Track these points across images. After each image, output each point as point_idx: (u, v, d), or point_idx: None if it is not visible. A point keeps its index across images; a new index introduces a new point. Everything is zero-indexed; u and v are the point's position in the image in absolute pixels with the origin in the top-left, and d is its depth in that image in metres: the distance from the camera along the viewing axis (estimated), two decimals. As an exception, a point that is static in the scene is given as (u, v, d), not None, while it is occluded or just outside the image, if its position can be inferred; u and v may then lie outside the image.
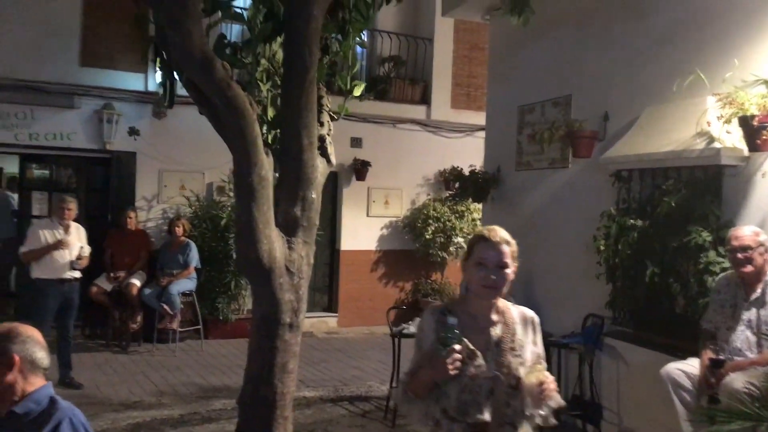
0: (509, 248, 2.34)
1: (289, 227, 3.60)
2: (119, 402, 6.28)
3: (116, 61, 8.81)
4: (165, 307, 8.23)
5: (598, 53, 5.82)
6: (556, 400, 2.29)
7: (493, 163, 7.15)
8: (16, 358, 2.41)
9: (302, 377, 6.74)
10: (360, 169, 10.17)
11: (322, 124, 3.82)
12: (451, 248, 10.33)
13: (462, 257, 2.44)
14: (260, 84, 3.74)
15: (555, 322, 5.77)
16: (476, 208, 9.73)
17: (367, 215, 10.48)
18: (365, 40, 8.22)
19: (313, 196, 3.64)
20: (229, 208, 9.00)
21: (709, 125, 4.48)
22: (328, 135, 3.89)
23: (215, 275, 8.90)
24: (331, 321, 10.29)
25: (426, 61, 10.61)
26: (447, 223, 10.20)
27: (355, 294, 10.31)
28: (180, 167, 9.24)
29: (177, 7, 2.88)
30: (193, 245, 8.53)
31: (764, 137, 4.12)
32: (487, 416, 2.27)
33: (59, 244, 6.49)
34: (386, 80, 10.25)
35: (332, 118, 4.01)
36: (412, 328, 6.09)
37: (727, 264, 4.27)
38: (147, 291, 8.33)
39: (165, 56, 3.74)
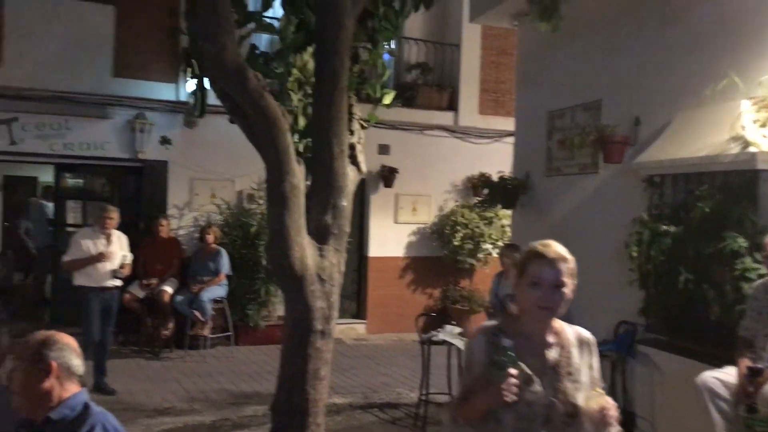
0: (566, 265, 2.18)
1: (320, 235, 3.62)
2: (152, 408, 6.35)
3: (148, 71, 8.96)
4: (196, 313, 8.32)
5: (629, 57, 5.77)
6: (617, 427, 2.13)
7: (522, 169, 7.12)
8: (54, 364, 2.46)
9: (332, 384, 6.74)
10: (387, 176, 10.19)
11: (352, 132, 3.85)
12: (479, 255, 10.29)
13: (514, 273, 2.29)
14: (291, 93, 3.78)
15: (586, 330, 5.71)
16: (505, 215, 9.68)
17: (395, 222, 10.48)
18: (394, 47, 8.27)
19: (344, 203, 3.67)
20: (259, 216, 9.08)
21: (743, 129, 4.41)
22: (359, 143, 3.92)
23: (245, 282, 8.97)
24: (359, 328, 10.31)
25: (453, 67, 10.61)
26: (475, 229, 10.16)
27: (383, 301, 10.32)
28: (211, 176, 9.35)
29: (212, 19, 2.93)
30: (224, 252, 8.61)
31: (801, 141, 4.05)
32: None
33: (100, 257, 6.58)
34: (413, 87, 10.27)
35: (362, 126, 4.03)
36: (441, 335, 6.08)
37: (764, 270, 4.19)
38: (179, 298, 8.43)
39: (197, 67, 3.80)
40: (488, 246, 10.23)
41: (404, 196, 10.43)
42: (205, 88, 3.95)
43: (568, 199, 6.48)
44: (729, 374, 4.02)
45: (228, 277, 8.67)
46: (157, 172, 9.20)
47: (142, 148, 8.98)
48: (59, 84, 8.49)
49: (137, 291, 8.46)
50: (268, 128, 3.24)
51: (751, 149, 4.28)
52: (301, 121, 3.88)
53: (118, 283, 6.81)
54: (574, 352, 2.24)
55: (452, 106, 10.56)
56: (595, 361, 2.29)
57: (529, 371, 2.11)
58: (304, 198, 3.55)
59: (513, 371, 2.04)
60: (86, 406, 2.50)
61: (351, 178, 3.75)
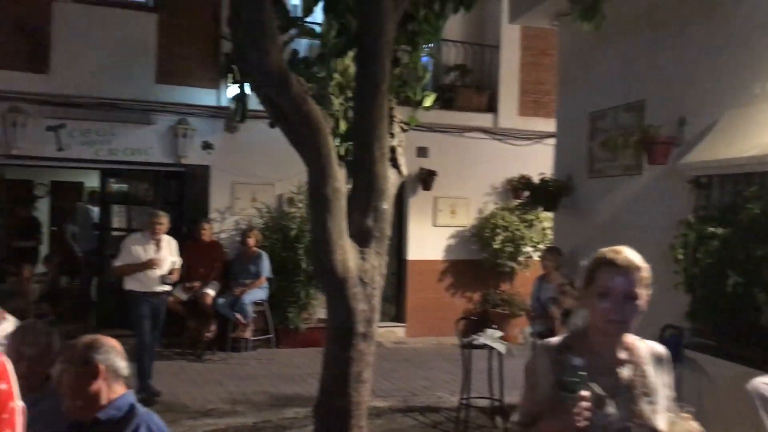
0: (639, 274, 1.98)
1: (361, 238, 3.63)
2: (195, 409, 6.45)
3: (190, 77, 9.10)
4: (238, 316, 8.41)
5: (674, 56, 5.66)
6: None
7: (563, 171, 7.04)
8: (101, 367, 2.51)
9: (372, 387, 6.74)
10: (426, 179, 10.17)
11: (392, 135, 3.85)
12: (520, 258, 10.19)
13: (580, 283, 2.07)
14: (332, 98, 3.80)
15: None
16: (546, 217, 9.57)
17: (434, 225, 10.45)
18: (432, 50, 8.24)
19: (385, 206, 3.67)
20: (299, 219, 9.15)
21: (795, 128, 4.29)
22: (399, 146, 3.92)
23: (286, 285, 9.03)
24: (399, 331, 10.30)
25: (492, 68, 10.55)
26: (516, 232, 10.07)
27: (422, 304, 10.29)
28: (251, 180, 9.45)
29: (255, 25, 2.97)
30: (265, 255, 8.69)
31: None
32: None
33: (151, 263, 6.65)
34: (452, 89, 10.23)
35: (402, 129, 4.03)
36: (482, 338, 6.04)
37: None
38: (221, 300, 8.53)
39: (238, 72, 3.84)
40: (529, 249, 10.13)
41: (443, 199, 10.39)
42: (246, 94, 4.00)
43: (610, 201, 6.38)
44: (782, 381, 3.89)
45: (269, 280, 8.74)
46: (199, 176, 9.33)
47: (185, 153, 9.12)
48: (104, 91, 8.68)
49: (180, 294, 8.59)
50: (310, 132, 3.27)
51: (804, 149, 4.16)
52: (342, 125, 3.90)
53: (167, 288, 6.89)
54: (649, 370, 2.04)
55: (491, 107, 10.49)
56: (672, 379, 2.10)
57: (602, 392, 1.92)
58: (346, 201, 3.56)
59: (584, 393, 1.84)
60: (132, 407, 2.55)
61: (392, 181, 3.75)
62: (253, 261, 8.69)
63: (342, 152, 3.85)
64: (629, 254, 2.02)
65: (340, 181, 3.47)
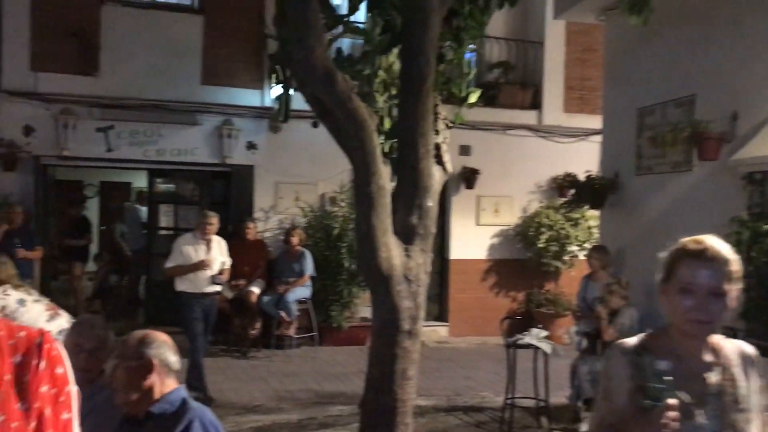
0: (727, 267, 1.75)
1: (406, 235, 3.62)
2: (241, 405, 6.53)
3: (235, 78, 9.23)
4: (282, 314, 8.49)
5: (726, 49, 5.51)
6: None
7: (610, 168, 6.92)
8: (155, 362, 2.56)
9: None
10: (469, 177, 10.11)
11: (437, 132, 3.83)
12: (565, 257, 10.05)
13: (659, 277, 1.86)
14: (377, 95, 3.80)
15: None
16: (592, 215, 9.42)
17: (477, 224, 10.38)
18: (477, 46, 8.19)
19: (430, 204, 3.65)
20: (341, 218, 9.19)
21: None
22: (444, 143, 3.89)
23: (329, 283, 9.08)
24: (441, 330, 10.26)
25: (536, 65, 10.43)
26: (561, 231, 9.93)
27: (465, 303, 10.23)
28: (294, 179, 9.53)
29: (301, 24, 2.98)
30: (308, 254, 8.76)
31: None
32: None
33: (202, 265, 6.63)
34: (495, 86, 10.15)
35: (447, 126, 4.01)
36: (527, 338, 5.98)
37: None
38: (265, 298, 8.63)
39: (283, 72, 3.87)
40: (574, 248, 9.98)
41: (486, 198, 10.31)
42: (289, 94, 4.02)
43: (659, 198, 6.25)
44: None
45: (312, 278, 8.80)
46: (243, 176, 9.45)
47: (230, 153, 9.24)
48: (152, 92, 8.86)
49: (226, 292, 8.66)
50: (355, 130, 3.27)
51: None
52: (387, 123, 3.89)
53: (218, 288, 6.89)
54: (738, 374, 1.80)
55: (535, 104, 10.37)
56: (762, 382, 1.84)
57: (690, 400, 1.71)
58: (390, 199, 3.55)
59: (671, 402, 1.63)
60: (184, 401, 2.59)
61: (437, 178, 3.73)
62: (296, 259, 8.76)
63: (386, 149, 3.85)
64: (715, 244, 1.80)
65: (385, 178, 3.46)
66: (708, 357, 1.80)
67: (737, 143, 5.26)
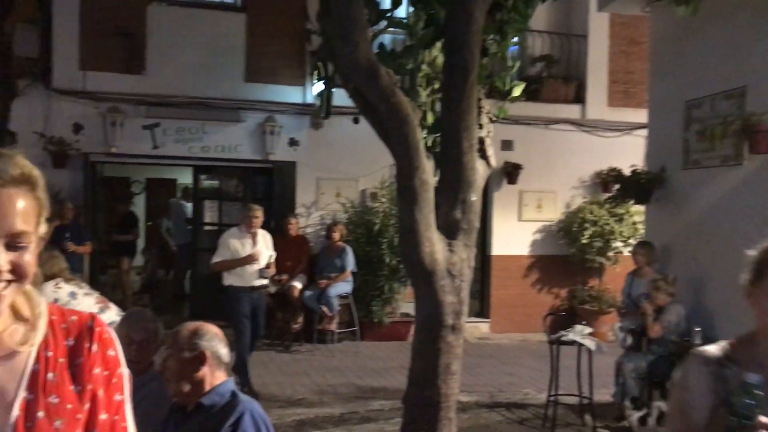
0: None
1: (449, 230, 3.61)
2: (284, 399, 6.60)
3: (277, 75, 9.32)
4: (324, 308, 8.55)
5: (779, 39, 5.35)
6: None
7: (656, 163, 6.78)
8: (206, 353, 2.60)
9: (458, 381, 6.74)
10: (511, 173, 10.03)
11: (480, 126, 3.81)
12: (609, 253, 9.90)
13: (746, 277, 1.69)
14: (420, 90, 3.80)
15: (729, 333, 5.33)
16: (637, 211, 9.25)
17: (519, 219, 10.30)
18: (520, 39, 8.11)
19: (473, 198, 3.64)
20: (382, 214, 9.21)
21: None
22: (488, 137, 3.87)
23: (370, 279, 9.11)
24: (483, 327, 10.21)
25: (580, 58, 10.28)
26: (605, 226, 9.78)
27: (507, 300, 10.16)
28: (336, 175, 9.59)
29: (345, 19, 3.00)
30: (349, 250, 8.80)
31: None
32: None
33: (250, 259, 6.60)
34: (538, 80, 10.04)
35: (491, 120, 3.98)
36: (571, 335, 5.91)
37: None
38: (307, 293, 8.70)
39: (325, 68, 3.90)
40: (619, 244, 9.82)
41: (529, 193, 10.22)
42: (331, 90, 4.05)
43: (707, 193, 6.10)
44: None
45: (353, 273, 8.84)
46: (286, 172, 9.54)
47: (272, 149, 9.34)
48: (196, 90, 9.00)
49: (269, 286, 8.79)
50: (399, 124, 3.27)
51: None
52: (430, 117, 3.89)
53: (265, 282, 6.88)
54: None
55: (579, 98, 10.23)
56: None
57: None
58: (434, 193, 3.55)
59: (764, 419, 1.46)
60: (234, 394, 2.63)
61: (480, 172, 3.71)
62: (338, 255, 8.81)
63: (429, 144, 3.84)
64: None
65: (428, 172, 3.46)
66: None
67: (790, 136, 5.11)
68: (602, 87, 10.25)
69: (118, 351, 1.26)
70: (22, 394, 1.14)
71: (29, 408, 1.13)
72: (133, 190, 13.99)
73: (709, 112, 6.04)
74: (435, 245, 3.50)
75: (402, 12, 4.31)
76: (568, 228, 10.09)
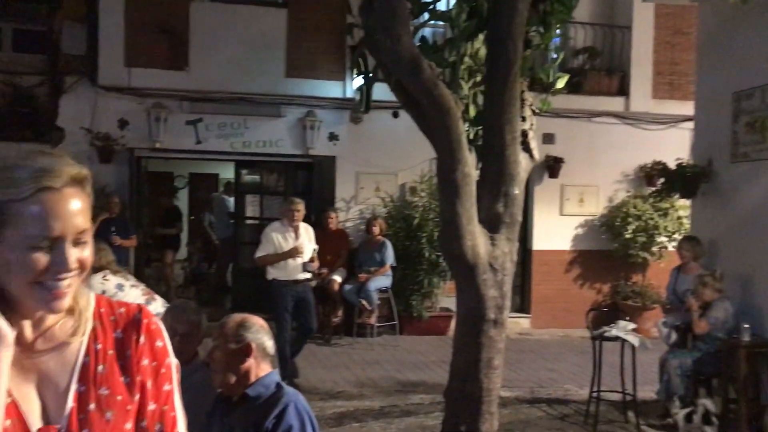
0: None
1: (491, 224, 3.59)
2: (324, 391, 6.64)
3: (317, 70, 9.36)
4: (363, 302, 8.58)
5: (834, 27, 5.17)
6: None
7: (703, 156, 6.63)
8: (252, 345, 2.63)
9: (498, 376, 6.70)
10: (553, 166, 9.91)
11: (523, 119, 3.77)
12: (653, 248, 9.71)
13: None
14: (462, 82, 3.77)
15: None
16: (682, 205, 9.07)
17: (560, 214, 10.18)
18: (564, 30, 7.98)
19: (516, 192, 3.61)
20: (421, 209, 9.20)
21: None
22: (531, 129, 3.83)
23: (409, 273, 9.11)
24: (523, 322, 10.12)
25: (623, 50, 10.09)
26: (649, 221, 9.60)
27: (548, 295, 10.06)
28: (375, 169, 9.59)
29: (388, 12, 3.00)
30: (389, 244, 8.81)
31: None
32: None
33: (293, 252, 6.57)
34: (580, 72, 9.89)
35: (534, 113, 3.94)
36: (614, 330, 5.83)
37: None
38: (347, 287, 8.74)
39: (365, 62, 3.90)
40: (663, 239, 9.63)
41: (570, 187, 10.09)
42: (370, 84, 4.05)
43: (757, 186, 5.94)
44: None
45: (392, 268, 8.85)
46: (325, 167, 9.59)
47: (312, 144, 9.39)
48: (238, 86, 9.10)
49: (313, 280, 8.81)
50: (441, 117, 3.26)
51: None
52: (472, 110, 3.86)
53: (309, 275, 6.84)
54: None
55: (622, 91, 10.04)
56: None
57: None
58: (476, 186, 3.53)
59: None
60: (279, 386, 2.65)
61: (523, 165, 3.68)
62: (377, 249, 8.82)
63: (471, 136, 3.82)
64: None
65: (470, 165, 3.44)
66: None
67: None
68: (647, 79, 10.05)
69: (165, 341, 1.27)
70: (74, 387, 1.16)
71: (81, 400, 1.16)
72: (177, 185, 14.21)
73: (760, 103, 5.88)
74: (477, 239, 3.48)
75: (443, 4, 4.28)
76: (611, 223, 9.94)
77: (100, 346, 1.21)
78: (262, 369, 2.65)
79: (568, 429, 5.80)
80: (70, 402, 1.15)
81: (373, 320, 8.75)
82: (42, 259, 1.09)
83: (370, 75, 3.98)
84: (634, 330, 5.88)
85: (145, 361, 1.23)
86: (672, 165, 6.83)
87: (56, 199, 1.10)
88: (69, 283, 1.12)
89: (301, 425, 2.58)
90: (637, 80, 10.02)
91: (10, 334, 1.09)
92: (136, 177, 9.13)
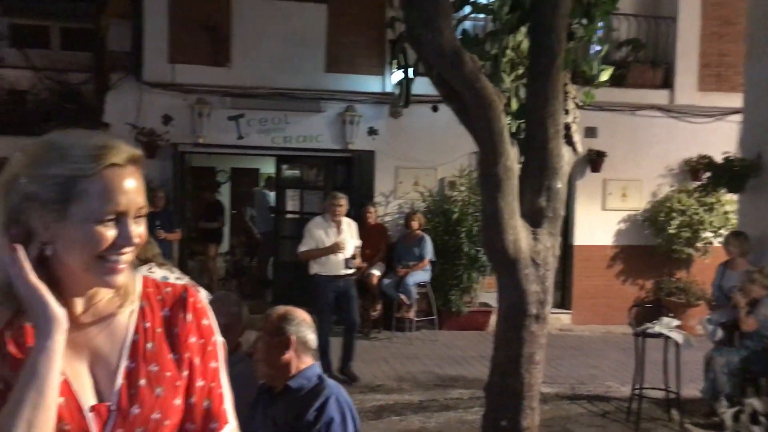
0: None
1: (534, 218, 3.56)
2: (364, 384, 6.68)
3: (356, 65, 9.39)
4: (402, 297, 8.60)
5: None
6: None
7: (752, 149, 6.47)
8: (292, 338, 2.67)
9: (538, 372, 6.64)
10: (595, 160, 9.76)
11: (567, 112, 3.73)
12: (698, 244, 9.51)
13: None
14: (504, 75, 3.75)
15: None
16: (729, 200, 8.84)
17: (603, 209, 10.03)
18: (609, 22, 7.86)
19: (559, 185, 3.57)
20: (461, 203, 9.16)
21: None
22: (574, 123, 3.78)
23: (448, 268, 9.09)
24: (564, 318, 10.02)
25: (668, 41, 9.88)
26: (694, 216, 9.39)
27: (590, 291, 9.93)
28: (414, 164, 9.58)
29: (430, 6, 3.00)
30: (427, 238, 8.80)
31: None
32: None
33: (335, 248, 6.54)
34: (623, 65, 9.71)
35: (577, 106, 3.89)
36: (657, 327, 5.74)
37: None
38: (386, 281, 8.76)
39: (405, 57, 3.90)
40: (708, 234, 9.42)
41: (613, 182, 9.93)
42: (410, 79, 4.04)
43: (809, 181, 5.78)
44: None
45: (431, 262, 8.84)
46: (365, 161, 9.61)
47: (352, 139, 9.42)
48: (279, 81, 9.17)
49: (355, 275, 8.83)
50: (483, 110, 3.25)
51: None
52: (514, 104, 3.83)
53: (351, 271, 6.80)
54: None
55: (667, 83, 9.84)
56: None
57: None
58: (518, 180, 3.50)
59: None
60: (321, 378, 2.69)
61: (566, 159, 3.64)
62: (416, 243, 8.82)
63: (513, 130, 3.79)
64: None
65: (512, 159, 3.42)
66: None
67: None
68: (692, 71, 9.83)
69: (211, 320, 1.30)
70: (123, 363, 1.19)
71: (131, 376, 1.19)
72: (219, 180, 14.42)
73: (812, 94, 5.71)
74: (519, 233, 3.46)
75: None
76: (655, 217, 9.76)
77: (148, 325, 1.23)
78: (303, 361, 2.69)
79: (609, 426, 5.74)
80: (120, 379, 1.18)
81: (411, 315, 8.76)
82: (108, 233, 1.12)
83: (412, 69, 3.98)
84: (678, 327, 5.78)
85: (193, 339, 1.25)
86: (718, 159, 6.68)
87: (121, 175, 1.14)
88: (127, 258, 1.16)
89: (342, 418, 2.61)
90: (682, 72, 9.81)
91: (64, 317, 1.12)
92: (179, 172, 9.28)
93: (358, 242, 6.90)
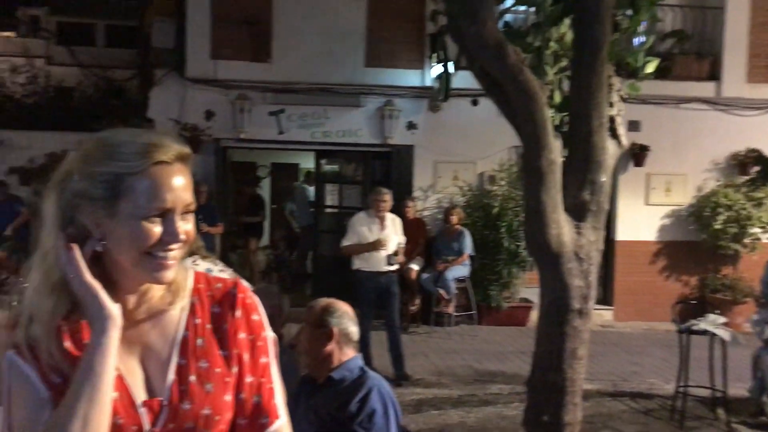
0: None
1: (577, 212, 3.52)
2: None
3: (396, 59, 9.38)
4: (441, 291, 8.59)
5: None
6: None
7: (803, 142, 6.28)
8: (334, 330, 2.69)
9: (580, 369, 6.57)
10: (638, 154, 9.59)
11: (611, 105, 3.67)
12: (745, 240, 9.27)
13: None
14: (547, 68, 3.71)
15: None
16: (778, 195, 8.63)
17: (646, 203, 9.86)
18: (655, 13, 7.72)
19: (603, 179, 3.53)
20: (501, 198, 9.09)
21: None
22: (618, 115, 3.72)
23: (487, 263, 9.04)
24: (606, 314, 9.87)
25: (715, 33, 9.64)
26: (741, 211, 9.15)
27: (632, 287, 9.77)
28: (453, 158, 9.54)
29: (473, -3, 2.98)
30: (467, 233, 8.76)
31: None
32: None
33: (377, 244, 6.48)
34: (668, 57, 9.50)
35: (622, 98, 3.83)
36: (702, 324, 5.63)
37: None
38: (425, 276, 8.76)
39: (445, 50, 3.88)
40: (756, 230, 9.18)
41: (657, 176, 9.75)
42: (449, 72, 4.02)
43: None
44: None
45: (471, 257, 8.80)
46: (403, 156, 9.61)
47: (391, 133, 9.42)
48: (319, 76, 9.23)
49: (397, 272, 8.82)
50: (526, 103, 3.22)
51: None
52: (557, 96, 3.79)
53: (393, 267, 6.69)
54: None
55: (713, 75, 9.61)
56: None
57: None
58: (561, 173, 3.47)
59: None
60: (363, 370, 2.71)
61: (610, 152, 3.59)
62: (455, 238, 8.79)
63: (557, 123, 3.75)
64: None
65: (555, 152, 3.39)
66: None
67: None
68: (741, 62, 9.57)
69: (261, 315, 1.30)
70: (174, 359, 1.21)
71: (182, 372, 1.21)
72: (260, 174, 14.58)
73: None
74: (562, 227, 3.43)
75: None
76: (700, 213, 9.55)
77: (198, 321, 1.25)
78: (345, 354, 2.71)
79: (652, 424, 5.66)
80: (171, 374, 1.20)
81: (450, 309, 8.74)
82: (155, 229, 1.14)
83: (453, 62, 3.96)
84: (724, 324, 5.66)
85: (242, 335, 1.26)
86: (768, 152, 6.51)
87: (168, 173, 1.16)
88: (176, 255, 1.17)
89: (384, 409, 2.63)
90: (730, 64, 9.56)
91: (118, 315, 1.14)
92: (221, 167, 9.41)
93: (401, 238, 6.82)
